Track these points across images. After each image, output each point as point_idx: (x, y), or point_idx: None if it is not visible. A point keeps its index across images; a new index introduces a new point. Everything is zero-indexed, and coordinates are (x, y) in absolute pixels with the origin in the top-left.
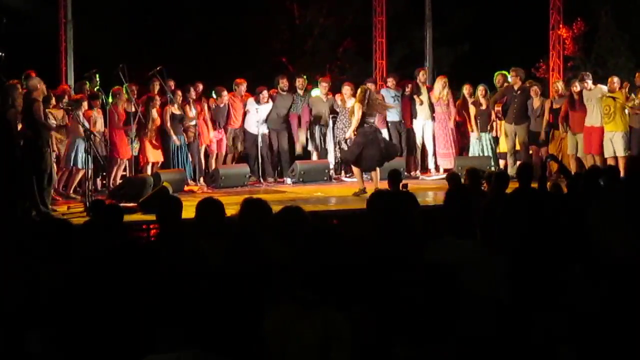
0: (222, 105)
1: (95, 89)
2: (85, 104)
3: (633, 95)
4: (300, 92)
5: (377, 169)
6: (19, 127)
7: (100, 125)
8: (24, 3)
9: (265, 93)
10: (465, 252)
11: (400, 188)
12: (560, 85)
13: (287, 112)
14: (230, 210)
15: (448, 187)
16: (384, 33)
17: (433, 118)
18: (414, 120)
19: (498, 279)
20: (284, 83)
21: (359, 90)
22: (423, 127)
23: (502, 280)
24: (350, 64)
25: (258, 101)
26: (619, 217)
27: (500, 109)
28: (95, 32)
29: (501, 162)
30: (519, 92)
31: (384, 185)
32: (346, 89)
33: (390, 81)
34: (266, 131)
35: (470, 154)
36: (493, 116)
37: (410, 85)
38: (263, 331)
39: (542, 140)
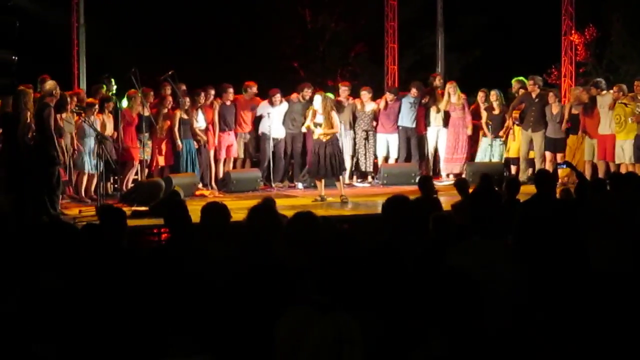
0: (228, 104)
1: (111, 94)
2: (96, 108)
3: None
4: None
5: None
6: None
7: (109, 130)
8: (37, 7)
9: (278, 96)
10: (491, 253)
11: (433, 193)
12: (578, 91)
13: (303, 118)
14: (241, 215)
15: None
16: (396, 38)
17: (446, 124)
18: (427, 127)
19: (521, 281)
20: (307, 93)
21: (326, 99)
22: (437, 132)
23: (523, 281)
24: (361, 69)
25: (272, 103)
26: (607, 227)
27: (517, 115)
28: (108, 36)
29: (512, 168)
30: (536, 99)
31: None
32: (364, 93)
33: (413, 92)
34: (280, 135)
35: (479, 160)
36: (509, 122)
37: (427, 97)
38: (275, 335)
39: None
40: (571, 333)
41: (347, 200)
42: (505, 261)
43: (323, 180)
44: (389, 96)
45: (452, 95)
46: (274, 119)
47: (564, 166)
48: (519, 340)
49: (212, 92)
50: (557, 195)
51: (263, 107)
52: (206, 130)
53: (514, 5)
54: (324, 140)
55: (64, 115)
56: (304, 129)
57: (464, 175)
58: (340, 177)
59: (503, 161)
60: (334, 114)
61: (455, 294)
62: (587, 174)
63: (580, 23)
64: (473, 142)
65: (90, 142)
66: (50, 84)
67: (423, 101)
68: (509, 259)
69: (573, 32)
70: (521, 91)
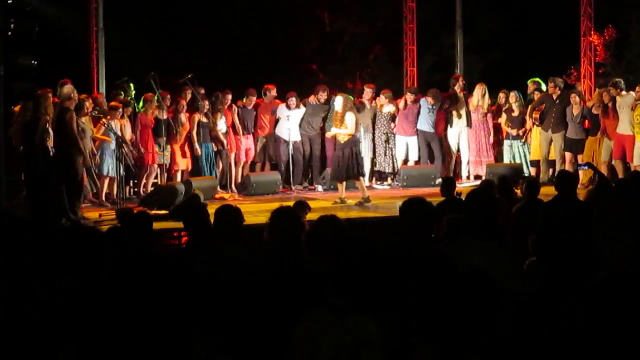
0: (249, 108)
1: (129, 98)
2: (120, 112)
3: None
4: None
5: (343, 183)
6: (50, 134)
7: (128, 134)
8: (56, 11)
9: (293, 99)
10: (484, 254)
11: (455, 195)
12: (599, 91)
13: (320, 120)
14: (261, 218)
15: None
16: (415, 40)
17: (470, 125)
18: (449, 127)
19: (517, 280)
20: (322, 95)
21: (347, 99)
22: (459, 134)
23: (521, 281)
24: (380, 70)
25: (289, 107)
26: (619, 225)
27: (537, 116)
28: (127, 40)
29: (533, 170)
30: (557, 100)
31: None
32: (380, 97)
33: (429, 100)
34: (298, 138)
35: (504, 161)
36: (529, 123)
37: (448, 102)
38: (294, 338)
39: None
40: (586, 334)
41: (364, 203)
42: (499, 262)
43: (344, 183)
44: (409, 96)
45: (481, 99)
46: (292, 121)
47: (586, 167)
48: (528, 342)
49: (229, 96)
50: (584, 197)
51: (281, 110)
52: (226, 134)
53: (533, 6)
54: (342, 142)
55: (83, 119)
56: (329, 135)
57: (483, 177)
58: (360, 178)
59: (528, 163)
60: (348, 115)
61: (475, 294)
62: (606, 175)
63: (600, 24)
64: (497, 144)
65: (111, 146)
66: (67, 87)
67: (444, 107)
68: (503, 260)
69: (592, 32)
70: (537, 93)
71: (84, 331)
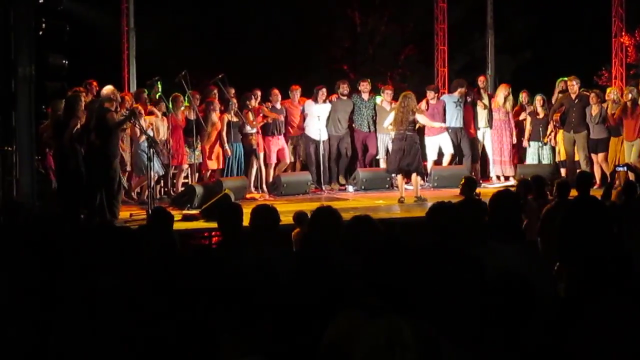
0: (278, 107)
1: (157, 96)
2: (142, 112)
3: None
4: (365, 95)
5: (415, 175)
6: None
7: (162, 133)
8: (88, 11)
9: (324, 90)
10: (506, 259)
11: (474, 196)
12: (615, 92)
13: (348, 116)
14: (292, 219)
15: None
16: (446, 41)
17: (491, 125)
18: (477, 129)
19: (541, 285)
20: (344, 88)
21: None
22: (483, 134)
23: (544, 286)
24: (411, 71)
25: (316, 100)
26: None
27: (558, 118)
28: (158, 39)
29: (562, 171)
30: (576, 100)
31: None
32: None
33: (459, 91)
34: (324, 137)
35: (528, 162)
36: (551, 126)
37: (473, 95)
38: (326, 339)
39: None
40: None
41: (403, 201)
42: (524, 266)
43: (401, 179)
44: (429, 94)
45: (505, 99)
46: (322, 120)
47: (624, 168)
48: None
49: (259, 93)
50: (614, 198)
51: (309, 107)
52: (257, 134)
53: (564, 7)
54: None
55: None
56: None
57: (512, 178)
58: (397, 176)
59: (554, 164)
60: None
61: (510, 296)
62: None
63: (631, 24)
64: (519, 144)
65: (144, 145)
66: (108, 89)
67: (469, 99)
68: (527, 264)
69: (623, 33)
70: (559, 93)
71: (109, 327)
